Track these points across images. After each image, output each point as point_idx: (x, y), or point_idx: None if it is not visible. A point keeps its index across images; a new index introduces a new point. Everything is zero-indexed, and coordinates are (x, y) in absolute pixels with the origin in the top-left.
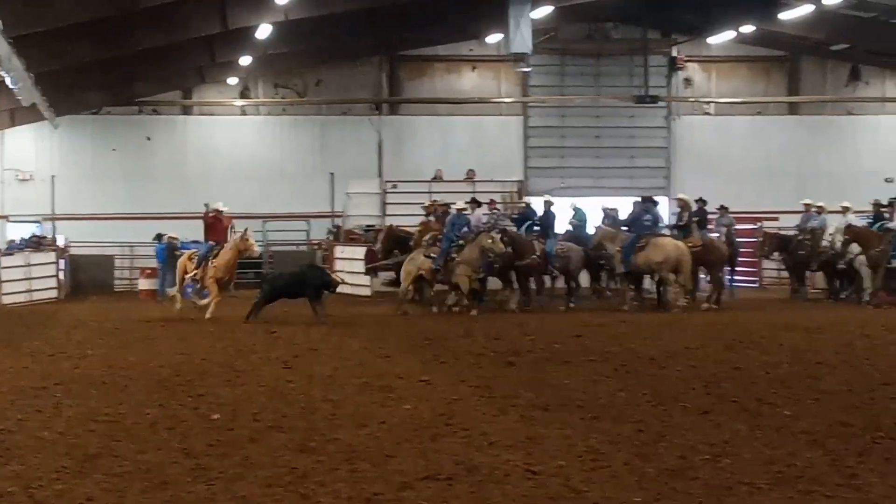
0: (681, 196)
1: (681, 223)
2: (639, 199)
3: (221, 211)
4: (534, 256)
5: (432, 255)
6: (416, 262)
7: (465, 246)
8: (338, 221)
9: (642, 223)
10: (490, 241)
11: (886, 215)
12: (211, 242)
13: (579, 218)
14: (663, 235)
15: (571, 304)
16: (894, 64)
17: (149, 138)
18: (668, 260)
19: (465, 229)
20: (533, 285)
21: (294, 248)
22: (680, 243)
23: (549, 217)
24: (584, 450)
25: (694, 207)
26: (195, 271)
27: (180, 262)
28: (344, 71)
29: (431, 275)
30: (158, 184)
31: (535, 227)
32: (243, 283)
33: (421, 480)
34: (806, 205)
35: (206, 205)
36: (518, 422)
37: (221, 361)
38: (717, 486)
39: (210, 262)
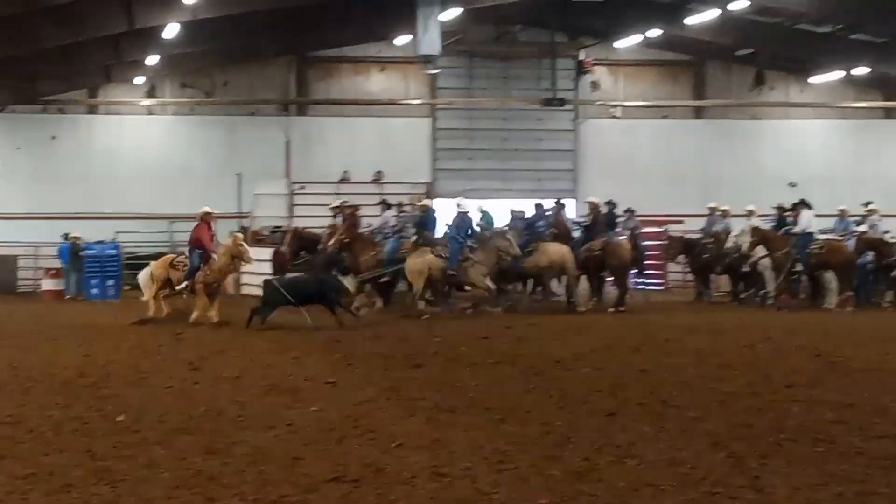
0: (591, 199)
1: (586, 224)
2: (539, 202)
3: (210, 213)
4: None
5: (441, 254)
6: (425, 262)
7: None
8: (245, 222)
9: (535, 228)
10: (507, 243)
11: (790, 219)
12: (204, 250)
13: (487, 221)
14: (545, 240)
15: (498, 308)
16: (798, 69)
17: (54, 137)
18: (553, 264)
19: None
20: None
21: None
22: (564, 248)
23: (464, 221)
24: (490, 452)
25: (605, 210)
26: (186, 283)
27: (155, 269)
28: (252, 71)
29: (442, 275)
30: (64, 183)
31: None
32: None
33: (328, 482)
34: (711, 208)
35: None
36: (425, 424)
37: (127, 363)
38: (623, 488)
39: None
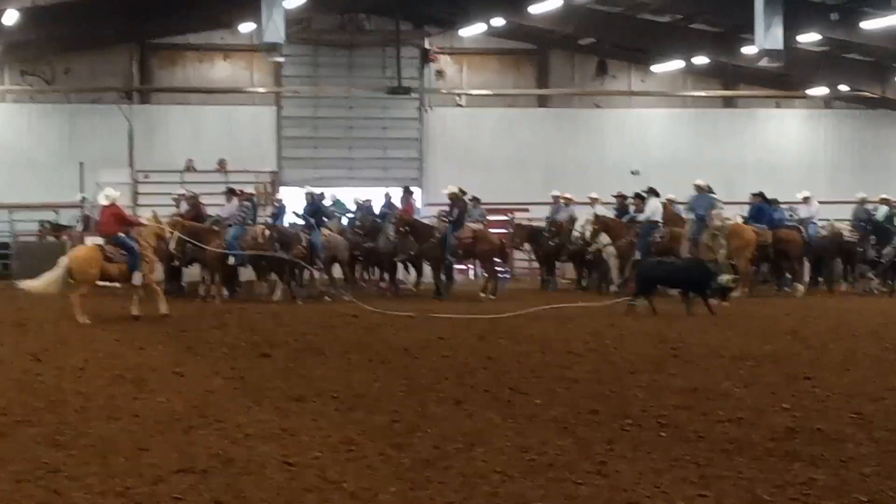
0: (451, 190)
1: (451, 218)
2: (388, 191)
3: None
4: (300, 247)
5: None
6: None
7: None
8: (88, 211)
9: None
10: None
11: (633, 208)
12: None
13: (339, 207)
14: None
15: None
16: (639, 58)
17: None
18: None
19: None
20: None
21: (42, 238)
22: None
23: (315, 208)
24: (339, 441)
25: (468, 199)
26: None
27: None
28: (93, 58)
29: None
30: None
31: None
32: None
33: (175, 473)
34: (555, 196)
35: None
36: (273, 413)
37: None
38: (471, 475)
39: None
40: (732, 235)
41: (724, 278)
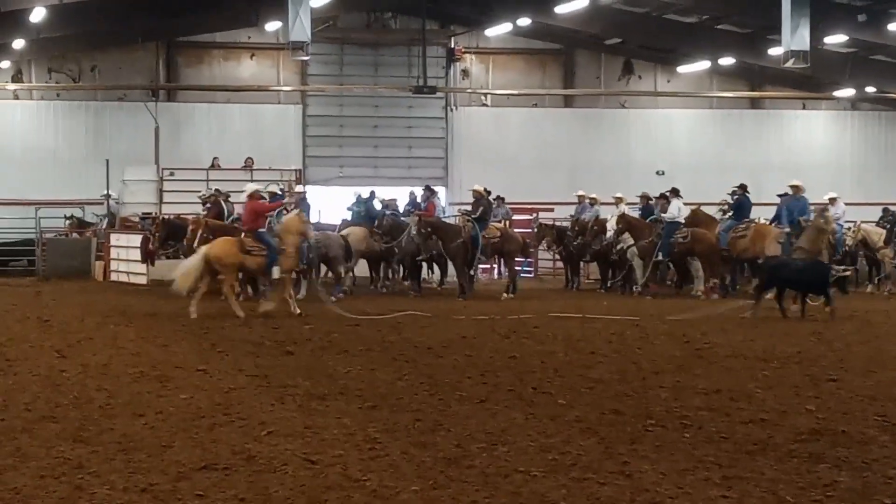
0: (476, 187)
1: (474, 215)
2: (413, 190)
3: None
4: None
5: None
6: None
7: None
8: (113, 209)
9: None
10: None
11: (657, 208)
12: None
13: (359, 206)
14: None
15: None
16: (665, 59)
17: None
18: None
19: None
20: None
21: (70, 235)
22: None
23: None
24: (361, 439)
25: (493, 197)
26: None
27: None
28: (120, 56)
29: None
30: None
31: None
32: (12, 269)
33: (198, 470)
34: (579, 196)
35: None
36: (296, 411)
37: None
38: (493, 474)
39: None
40: (757, 236)
41: (839, 268)
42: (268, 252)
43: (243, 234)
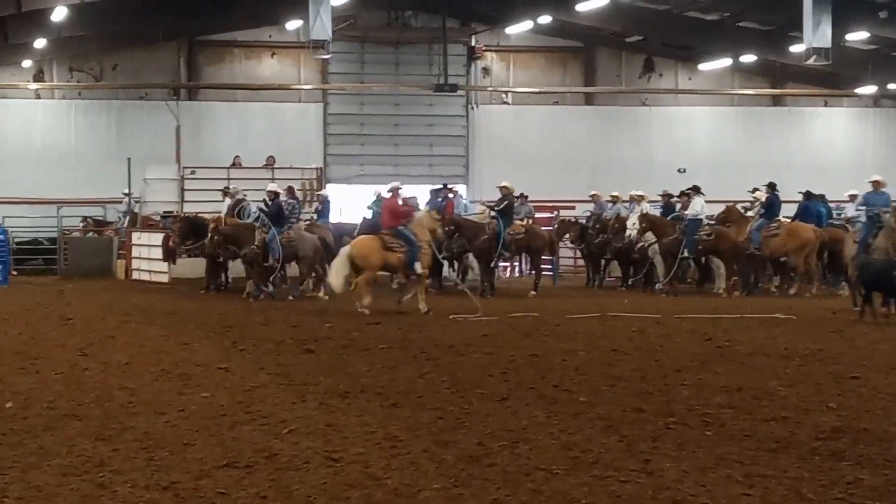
0: (504, 184)
1: (498, 208)
2: (436, 188)
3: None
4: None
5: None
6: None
7: None
8: (134, 207)
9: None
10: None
11: (678, 206)
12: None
13: (380, 205)
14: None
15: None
16: (686, 56)
17: None
18: None
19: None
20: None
21: (91, 234)
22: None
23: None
24: (383, 437)
25: (516, 194)
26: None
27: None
28: (141, 55)
29: None
30: None
31: None
32: (34, 268)
33: (220, 468)
34: (592, 196)
35: None
36: (317, 409)
37: (14, 349)
38: (515, 472)
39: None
40: (791, 235)
41: None
42: (408, 248)
43: (384, 232)
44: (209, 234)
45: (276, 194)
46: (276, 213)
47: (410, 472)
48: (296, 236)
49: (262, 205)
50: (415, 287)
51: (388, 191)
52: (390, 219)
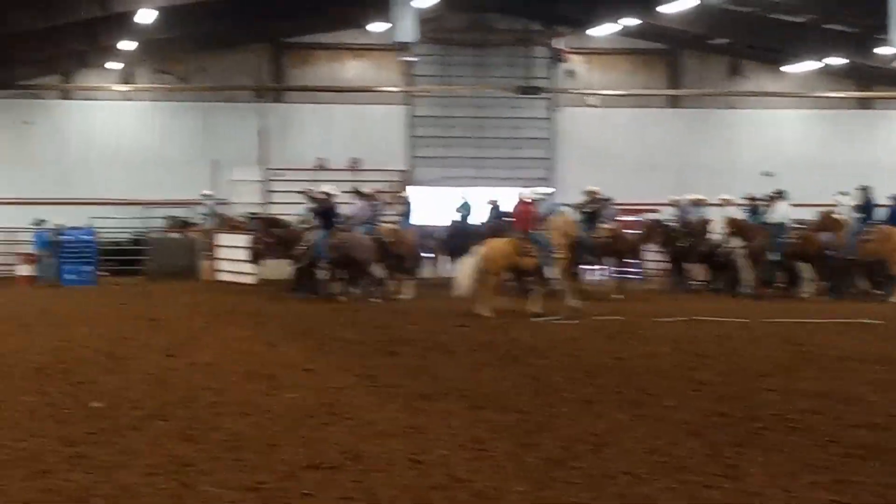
0: (591, 188)
1: (588, 210)
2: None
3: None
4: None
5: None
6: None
7: None
8: (213, 208)
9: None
10: None
11: (763, 209)
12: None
13: (465, 209)
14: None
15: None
16: (772, 59)
17: (28, 123)
18: None
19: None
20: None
21: (177, 234)
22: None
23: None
24: (467, 439)
25: (602, 197)
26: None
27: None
28: (227, 58)
29: None
30: (38, 169)
31: None
32: (121, 269)
33: (305, 469)
34: (673, 200)
35: None
36: (401, 411)
37: (102, 349)
38: (599, 476)
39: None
40: (886, 239)
41: None
42: (542, 253)
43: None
44: (258, 234)
45: (329, 195)
46: (325, 215)
47: (494, 475)
48: (348, 238)
49: (312, 205)
50: (547, 287)
51: (523, 196)
52: (524, 223)
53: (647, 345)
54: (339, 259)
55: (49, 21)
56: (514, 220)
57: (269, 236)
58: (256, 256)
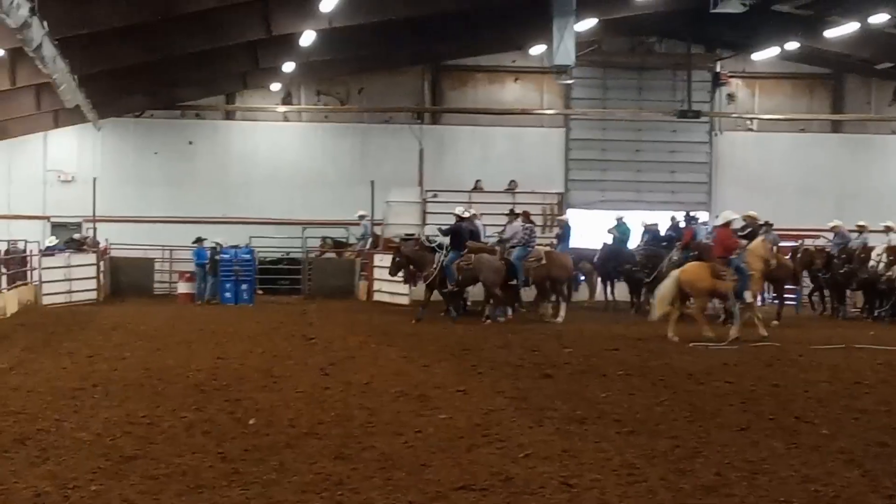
0: (750, 213)
1: (741, 234)
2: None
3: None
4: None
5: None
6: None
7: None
8: (377, 230)
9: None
10: None
11: None
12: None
13: (622, 231)
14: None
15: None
16: None
17: (191, 142)
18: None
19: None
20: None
21: (333, 255)
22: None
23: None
24: (619, 464)
25: (761, 222)
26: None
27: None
28: (386, 79)
29: None
30: (199, 188)
31: None
32: (278, 288)
33: (456, 490)
34: (833, 226)
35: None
36: (554, 434)
37: (258, 367)
38: None
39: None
40: None
41: None
42: (739, 277)
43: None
44: (392, 256)
45: (460, 218)
46: (455, 237)
47: (647, 500)
48: (475, 260)
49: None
50: (746, 313)
51: (719, 221)
52: (722, 249)
53: (805, 372)
54: (466, 280)
55: (214, 43)
56: (711, 244)
57: (400, 256)
58: (410, 278)
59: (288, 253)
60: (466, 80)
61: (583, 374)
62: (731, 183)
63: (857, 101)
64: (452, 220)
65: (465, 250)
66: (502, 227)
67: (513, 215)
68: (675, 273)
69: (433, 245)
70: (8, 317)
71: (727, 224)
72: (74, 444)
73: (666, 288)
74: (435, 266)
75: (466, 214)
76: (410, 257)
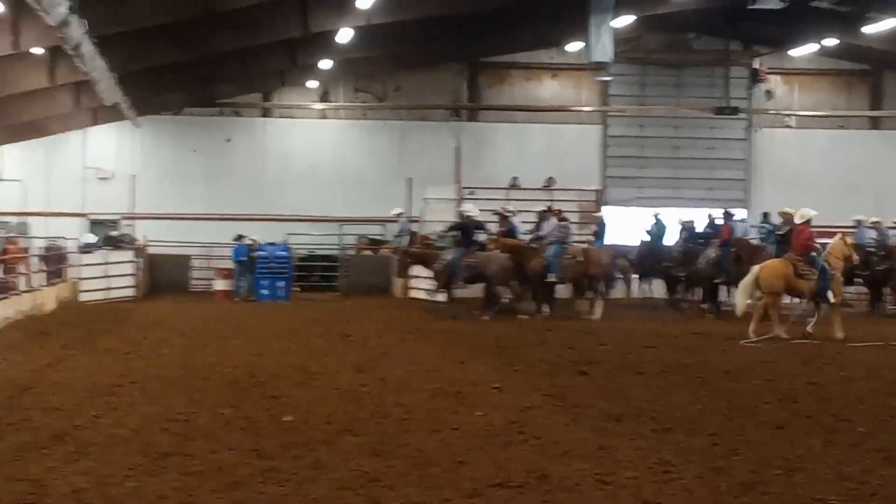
0: (786, 210)
1: (780, 233)
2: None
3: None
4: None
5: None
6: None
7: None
8: (414, 227)
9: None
10: None
11: None
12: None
13: (658, 228)
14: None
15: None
16: None
17: (229, 140)
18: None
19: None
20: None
21: (370, 251)
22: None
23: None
24: (656, 461)
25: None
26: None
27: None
28: (423, 76)
29: None
30: (237, 185)
31: None
32: (314, 285)
33: (491, 487)
34: (857, 220)
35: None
36: (590, 431)
37: (295, 364)
38: (790, 502)
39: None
40: None
41: None
42: (820, 276)
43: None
44: (399, 255)
45: (468, 215)
46: (465, 233)
47: (684, 498)
48: (481, 257)
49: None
50: (827, 314)
51: (800, 218)
52: (802, 247)
53: (842, 369)
54: (473, 277)
55: (252, 41)
56: (792, 241)
57: (408, 254)
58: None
59: (313, 251)
60: (503, 77)
61: (619, 372)
62: (769, 180)
63: None
64: (496, 219)
65: (474, 247)
66: (534, 225)
67: (546, 212)
68: (755, 268)
69: (444, 241)
70: (46, 314)
71: (807, 222)
72: (111, 441)
73: (745, 284)
74: (440, 262)
75: (475, 212)
76: (417, 255)
